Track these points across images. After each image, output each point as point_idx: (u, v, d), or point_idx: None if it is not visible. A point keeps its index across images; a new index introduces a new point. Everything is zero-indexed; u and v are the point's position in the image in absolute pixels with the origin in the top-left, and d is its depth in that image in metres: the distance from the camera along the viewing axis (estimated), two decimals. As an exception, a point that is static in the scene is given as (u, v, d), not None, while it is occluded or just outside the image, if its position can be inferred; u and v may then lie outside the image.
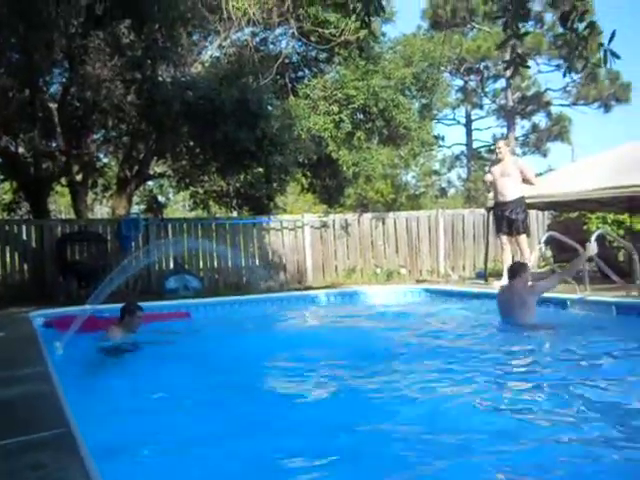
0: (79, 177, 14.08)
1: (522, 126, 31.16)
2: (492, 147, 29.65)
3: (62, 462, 2.17)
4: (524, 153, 30.14)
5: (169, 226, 12.57)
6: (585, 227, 12.33)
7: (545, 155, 30.94)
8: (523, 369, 4.86)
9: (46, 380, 3.47)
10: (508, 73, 23.67)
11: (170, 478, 2.76)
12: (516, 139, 29.16)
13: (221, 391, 4.02)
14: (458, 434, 3.09)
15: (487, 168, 10.02)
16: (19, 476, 2.07)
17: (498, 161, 9.48)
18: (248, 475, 2.69)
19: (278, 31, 14.49)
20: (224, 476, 2.71)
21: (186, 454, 2.94)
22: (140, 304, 5.67)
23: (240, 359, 5.01)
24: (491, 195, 10.02)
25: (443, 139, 30.45)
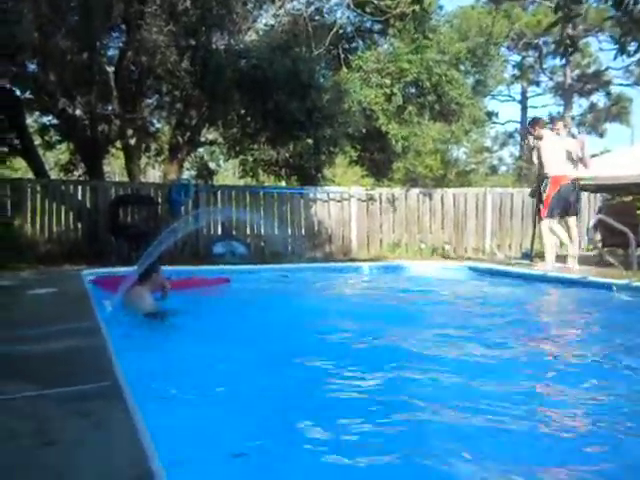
0: (133, 141, 14.37)
1: (580, 105, 30.47)
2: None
3: (110, 411, 2.32)
4: (580, 133, 29.42)
5: (218, 193, 12.76)
6: (639, 211, 12.07)
7: (602, 136, 30.28)
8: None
9: (96, 334, 3.65)
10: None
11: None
12: (572, 118, 28.49)
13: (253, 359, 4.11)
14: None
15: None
16: (69, 422, 2.23)
17: (557, 141, 9.32)
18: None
19: (333, 1, 14.43)
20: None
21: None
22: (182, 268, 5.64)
23: (278, 327, 5.09)
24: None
25: (497, 116, 29.96)
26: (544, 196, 9.14)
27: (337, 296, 7.62)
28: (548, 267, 9.14)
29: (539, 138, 9.24)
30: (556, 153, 9.17)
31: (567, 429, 2.98)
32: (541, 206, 9.23)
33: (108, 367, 2.90)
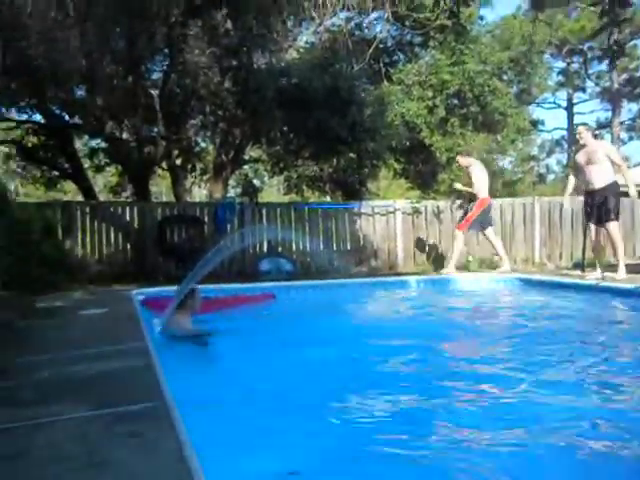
0: (178, 161, 14.61)
1: (629, 109, 29.77)
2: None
3: (157, 431, 2.34)
4: (630, 138, 28.83)
5: (263, 210, 12.84)
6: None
7: (653, 140, 29.44)
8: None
9: (145, 355, 3.69)
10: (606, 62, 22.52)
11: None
12: (621, 123, 27.86)
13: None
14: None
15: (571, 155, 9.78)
16: (116, 442, 2.26)
17: (582, 147, 9.11)
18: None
19: (373, 16, 14.45)
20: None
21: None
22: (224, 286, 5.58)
23: (323, 343, 5.04)
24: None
25: (543, 124, 29.50)
26: (470, 214, 10.58)
27: (386, 311, 7.55)
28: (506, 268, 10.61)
29: (468, 166, 10.75)
30: (483, 178, 10.67)
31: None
32: (463, 220, 10.73)
33: (157, 388, 2.92)
